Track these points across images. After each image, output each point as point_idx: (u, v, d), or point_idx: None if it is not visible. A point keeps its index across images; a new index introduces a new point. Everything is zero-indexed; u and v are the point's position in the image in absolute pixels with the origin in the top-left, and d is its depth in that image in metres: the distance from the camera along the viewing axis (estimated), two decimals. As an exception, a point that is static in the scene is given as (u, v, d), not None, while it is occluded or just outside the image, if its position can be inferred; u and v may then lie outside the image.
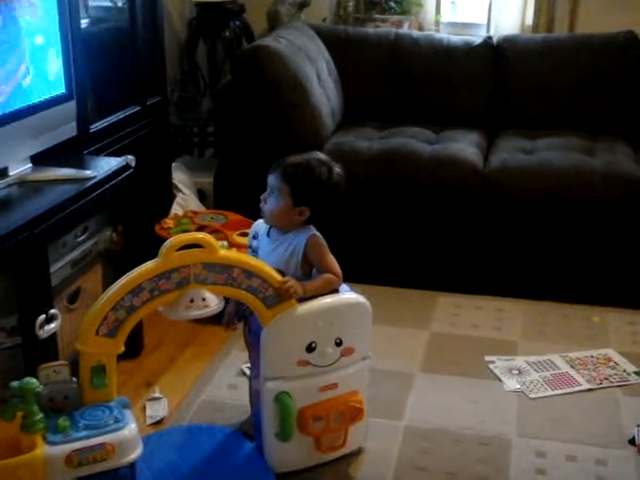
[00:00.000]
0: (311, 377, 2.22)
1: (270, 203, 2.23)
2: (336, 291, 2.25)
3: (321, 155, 2.31)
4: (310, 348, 2.19)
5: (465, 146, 3.44)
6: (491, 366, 2.83)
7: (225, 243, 2.85)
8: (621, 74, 3.71)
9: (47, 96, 2.47)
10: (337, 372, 2.25)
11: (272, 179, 2.24)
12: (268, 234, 2.30)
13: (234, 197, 3.51)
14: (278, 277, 2.13)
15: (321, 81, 3.61)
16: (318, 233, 2.25)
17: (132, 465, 1.98)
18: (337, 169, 2.26)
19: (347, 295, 2.26)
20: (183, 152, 4.18)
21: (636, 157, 3.41)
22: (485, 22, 4.26)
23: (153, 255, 2.05)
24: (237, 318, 2.37)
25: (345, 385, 2.27)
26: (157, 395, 2.64)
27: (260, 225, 2.34)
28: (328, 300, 2.21)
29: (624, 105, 3.71)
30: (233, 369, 2.80)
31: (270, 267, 2.15)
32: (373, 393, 2.42)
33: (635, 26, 3.75)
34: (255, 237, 2.35)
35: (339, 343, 2.22)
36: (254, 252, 2.33)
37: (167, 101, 3.53)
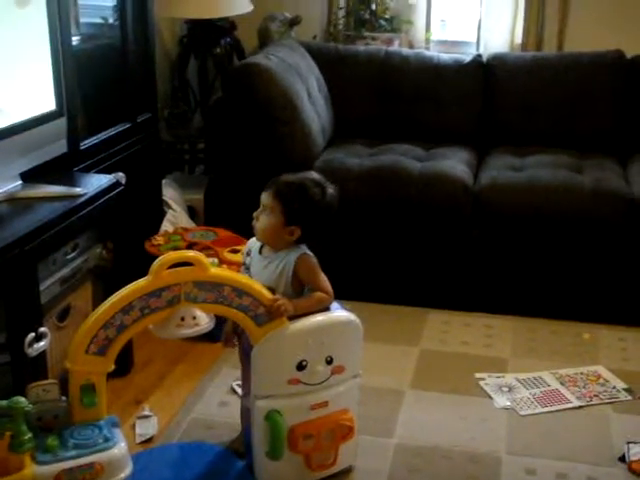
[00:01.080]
0: (302, 395, 2.21)
1: (262, 221, 2.23)
2: (327, 309, 2.25)
3: (315, 175, 2.30)
4: (301, 366, 2.18)
5: (455, 163, 3.46)
6: (481, 383, 2.83)
7: (215, 260, 2.86)
8: (609, 92, 3.73)
9: (37, 113, 2.46)
10: (328, 390, 2.25)
11: (265, 197, 2.23)
12: (260, 251, 2.30)
13: (224, 214, 3.51)
14: (269, 295, 2.13)
15: (311, 98, 3.62)
16: (309, 252, 2.25)
17: (122, 484, 1.98)
18: (330, 190, 2.26)
19: (338, 313, 2.26)
20: (173, 169, 4.17)
21: (624, 174, 3.43)
22: (475, 40, 4.30)
23: (143, 272, 2.05)
24: (236, 335, 2.37)
25: (336, 403, 2.26)
26: (147, 413, 2.62)
27: (254, 242, 2.33)
28: (319, 318, 2.21)
29: (612, 123, 3.73)
30: (223, 387, 2.79)
31: (261, 285, 2.15)
32: (363, 411, 2.41)
33: (623, 45, 3.78)
34: (248, 254, 2.34)
35: (330, 361, 2.22)
36: (247, 269, 2.33)
37: (157, 118, 3.53)
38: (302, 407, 2.22)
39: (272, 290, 2.18)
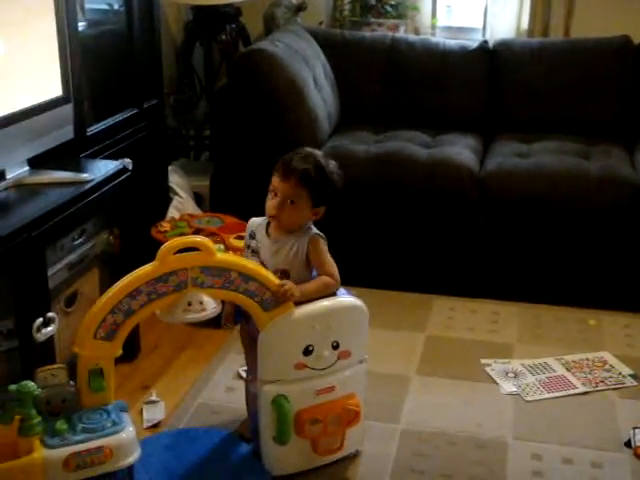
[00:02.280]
0: (308, 380, 2.22)
1: (288, 211, 2.20)
2: (333, 294, 2.25)
3: (316, 151, 2.33)
4: (307, 351, 2.19)
5: (461, 150, 3.45)
6: (487, 369, 2.84)
7: (222, 246, 2.86)
8: (616, 78, 3.72)
9: (44, 99, 2.46)
10: (334, 375, 2.25)
11: (285, 187, 2.19)
12: (267, 234, 2.29)
13: (230, 200, 3.51)
14: (275, 280, 2.13)
15: (317, 84, 3.61)
16: (320, 233, 2.26)
17: (130, 468, 1.99)
18: (332, 162, 2.30)
19: (344, 298, 2.27)
20: (179, 155, 4.18)
21: (631, 161, 3.42)
22: (481, 26, 4.28)
23: (149, 258, 2.05)
24: (236, 319, 2.37)
25: (342, 388, 2.27)
26: (154, 398, 2.64)
27: (256, 223, 2.32)
28: (325, 303, 2.21)
29: (619, 109, 3.72)
30: (230, 372, 2.80)
31: (267, 270, 2.15)
32: (370, 396, 2.42)
33: (630, 30, 3.76)
34: (252, 236, 2.33)
35: (336, 346, 2.23)
36: (254, 252, 2.31)
37: (164, 104, 3.53)
38: (309, 392, 2.22)
39: (286, 273, 2.18)
